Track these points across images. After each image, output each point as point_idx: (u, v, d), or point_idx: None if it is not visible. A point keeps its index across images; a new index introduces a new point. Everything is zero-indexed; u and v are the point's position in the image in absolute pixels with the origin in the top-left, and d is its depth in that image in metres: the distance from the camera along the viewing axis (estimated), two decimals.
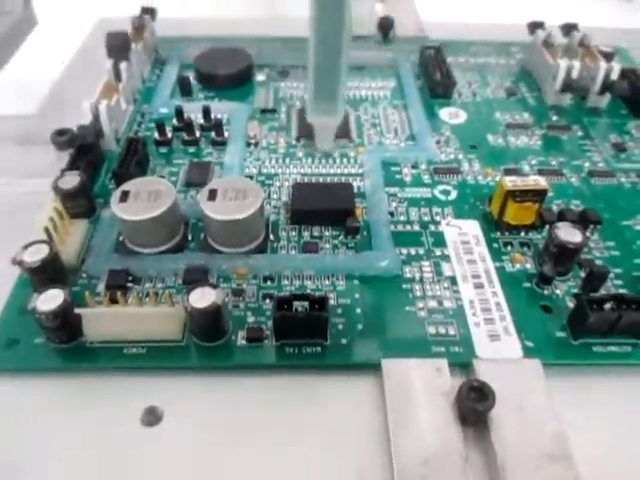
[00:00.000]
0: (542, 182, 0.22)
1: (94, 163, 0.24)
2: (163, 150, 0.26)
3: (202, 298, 0.17)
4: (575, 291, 0.20)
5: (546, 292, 0.20)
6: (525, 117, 0.29)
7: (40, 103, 0.30)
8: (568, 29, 0.33)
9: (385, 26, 0.36)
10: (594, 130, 0.29)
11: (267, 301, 0.20)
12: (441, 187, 0.25)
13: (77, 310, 0.18)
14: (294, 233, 0.22)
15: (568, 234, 0.20)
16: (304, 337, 0.18)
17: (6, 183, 0.25)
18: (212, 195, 0.21)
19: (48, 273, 0.19)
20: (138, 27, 0.31)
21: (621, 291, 0.20)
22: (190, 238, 0.22)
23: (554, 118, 0.29)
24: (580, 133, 0.28)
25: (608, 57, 0.30)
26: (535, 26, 0.33)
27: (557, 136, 0.28)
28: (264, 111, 0.29)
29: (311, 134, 0.26)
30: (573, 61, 0.29)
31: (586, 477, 0.15)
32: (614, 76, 0.29)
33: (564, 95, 0.30)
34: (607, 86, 0.29)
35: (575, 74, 0.29)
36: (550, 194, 0.24)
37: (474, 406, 0.16)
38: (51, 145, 0.26)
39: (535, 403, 0.17)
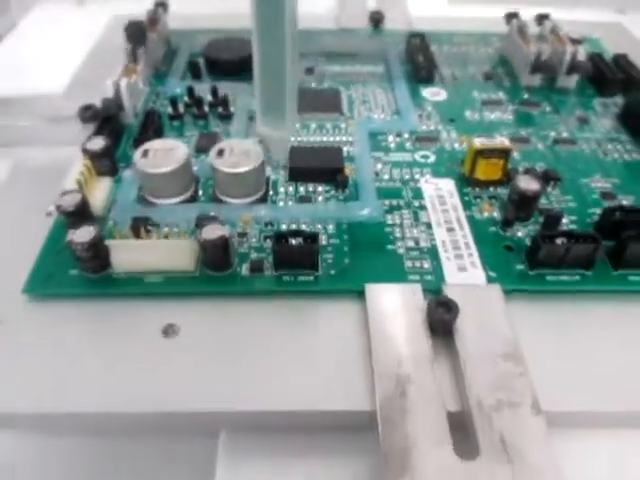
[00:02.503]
0: (506, 142, 0.25)
1: (116, 132, 0.28)
2: (176, 123, 0.30)
3: (213, 232, 0.21)
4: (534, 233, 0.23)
5: (509, 234, 0.24)
6: (500, 96, 0.33)
7: (64, 86, 0.34)
8: (540, 19, 0.36)
9: (376, 19, 0.39)
10: (562, 106, 0.32)
11: (267, 241, 0.23)
12: (421, 152, 0.28)
13: (106, 241, 0.21)
14: (291, 189, 0.26)
15: (528, 184, 0.23)
16: (299, 267, 0.22)
17: (38, 150, 0.28)
18: (220, 153, 0.24)
19: (80, 216, 0.22)
20: (152, 19, 0.34)
21: None
22: (201, 193, 0.25)
23: (525, 96, 0.33)
24: (549, 109, 0.32)
25: (576, 42, 0.33)
26: (511, 16, 0.36)
27: (528, 112, 0.31)
28: None
29: (308, 108, 0.30)
30: (543, 44, 0.33)
31: (533, 372, 0.19)
32: (580, 57, 0.33)
33: (535, 76, 0.33)
34: (573, 67, 0.33)
35: (545, 56, 0.33)
36: (518, 158, 0.28)
37: (441, 317, 0.20)
38: (76, 121, 0.30)
39: (493, 316, 0.20)
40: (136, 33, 0.31)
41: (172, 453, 0.22)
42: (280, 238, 0.21)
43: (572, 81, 0.33)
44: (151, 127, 0.27)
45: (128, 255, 0.21)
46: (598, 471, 0.18)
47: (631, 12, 0.50)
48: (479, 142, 0.25)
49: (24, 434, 0.22)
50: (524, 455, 0.16)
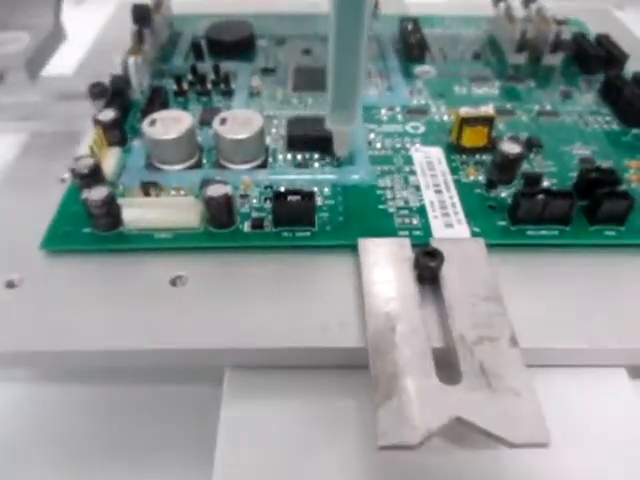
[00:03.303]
0: (490, 110, 0.27)
1: (124, 106, 0.29)
2: (180, 99, 0.31)
3: (217, 190, 0.22)
4: None
5: (492, 195, 0.25)
6: (487, 73, 0.34)
7: (73, 68, 0.36)
8: (527, 2, 0.38)
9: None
10: (546, 83, 0.34)
11: (267, 202, 0.25)
12: (412, 124, 0.30)
13: (119, 200, 0.23)
14: (289, 156, 0.27)
15: (510, 147, 0.25)
16: (297, 224, 0.23)
17: (51, 124, 0.30)
18: (223, 121, 0.26)
19: (94, 178, 0.24)
20: (157, 3, 0.36)
21: None
22: (205, 161, 0.27)
23: (512, 73, 0.34)
24: (533, 85, 0.33)
25: (560, 23, 0.35)
26: (498, 0, 0.38)
27: (513, 86, 0.33)
28: (265, 70, 0.34)
29: (305, 86, 0.31)
30: (527, 24, 0.34)
31: (512, 313, 0.20)
32: (564, 36, 0.34)
33: (521, 55, 0.35)
34: (557, 45, 0.34)
35: (530, 35, 0.34)
36: (503, 129, 0.29)
37: (427, 264, 0.21)
38: (86, 98, 0.31)
39: (476, 265, 0.22)
40: (142, 15, 0.33)
41: (178, 396, 0.24)
42: (279, 196, 0.23)
43: (557, 59, 0.35)
44: (157, 101, 0.29)
45: (138, 212, 0.23)
46: (567, 406, 0.20)
47: (629, 8, 0.52)
48: (464, 111, 0.27)
49: (37, 381, 0.24)
50: (502, 379, 0.18)
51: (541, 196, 0.23)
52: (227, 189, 0.22)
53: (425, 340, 0.19)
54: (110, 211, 0.23)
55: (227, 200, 0.22)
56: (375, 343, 0.19)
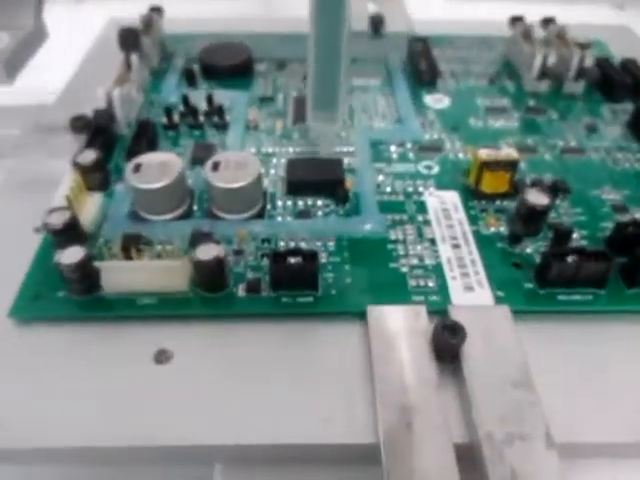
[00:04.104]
0: (513, 154, 0.24)
1: (108, 144, 0.27)
2: (171, 134, 0.29)
3: (207, 253, 0.20)
4: (543, 249, 0.23)
5: (517, 251, 0.23)
6: (504, 102, 0.32)
7: (56, 95, 0.33)
8: (546, 22, 0.35)
9: (376, 23, 0.38)
10: (569, 113, 0.31)
11: (265, 259, 0.22)
12: (424, 163, 0.27)
13: (96, 263, 0.20)
14: (289, 203, 0.25)
15: (536, 198, 0.22)
16: (298, 288, 0.21)
17: (27, 162, 0.27)
18: (215, 166, 0.23)
19: (69, 235, 0.21)
20: (147, 23, 0.33)
21: None
22: (196, 208, 0.24)
23: (531, 103, 0.32)
24: (555, 116, 0.31)
25: (583, 47, 0.32)
26: (515, 20, 0.35)
27: (533, 118, 0.30)
28: (263, 99, 0.31)
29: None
30: (549, 49, 0.32)
31: (544, 400, 0.18)
32: (587, 63, 0.32)
33: (541, 82, 0.32)
34: (581, 72, 0.32)
35: (551, 61, 0.32)
36: (524, 168, 0.27)
37: (447, 341, 0.19)
38: (67, 132, 0.29)
39: (502, 340, 0.19)
40: (130, 40, 0.30)
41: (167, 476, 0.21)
42: (278, 257, 0.20)
43: (579, 87, 0.32)
44: (144, 138, 0.26)
45: (119, 277, 0.20)
46: None
47: (630, 8, 0.49)
48: (485, 153, 0.24)
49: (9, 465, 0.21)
50: None
51: (573, 257, 0.21)
52: (219, 250, 0.20)
53: (447, 440, 0.16)
54: (86, 275, 0.20)
55: (219, 263, 0.20)
56: (389, 447, 0.16)
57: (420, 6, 0.42)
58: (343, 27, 0.19)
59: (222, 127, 0.29)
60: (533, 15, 0.36)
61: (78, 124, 0.28)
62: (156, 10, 0.35)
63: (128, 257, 0.21)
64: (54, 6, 0.47)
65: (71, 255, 0.20)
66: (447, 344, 0.19)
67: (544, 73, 0.32)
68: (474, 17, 0.41)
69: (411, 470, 0.16)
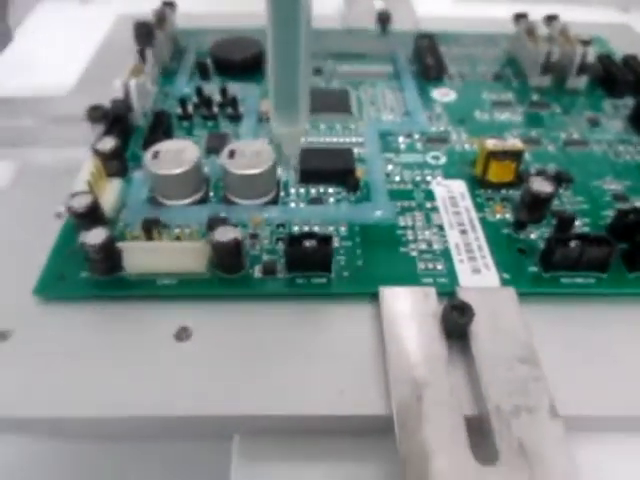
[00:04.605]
0: (519, 144, 0.25)
1: (125, 133, 0.27)
2: (185, 124, 0.29)
3: (225, 234, 0.21)
4: (547, 235, 0.23)
5: (522, 237, 0.23)
6: (509, 97, 0.32)
7: (71, 86, 0.34)
8: (550, 20, 0.36)
9: (383, 20, 0.39)
10: (572, 108, 0.32)
11: (279, 243, 0.23)
12: (432, 153, 0.28)
13: (119, 244, 0.21)
14: (302, 190, 0.25)
15: (541, 186, 0.23)
16: (312, 269, 0.21)
17: (45, 151, 0.28)
18: (232, 154, 0.24)
19: (91, 217, 0.22)
20: (160, 18, 0.34)
21: None
22: (212, 194, 0.25)
23: (535, 97, 0.32)
24: (558, 110, 0.31)
25: (585, 43, 0.33)
26: (519, 17, 0.36)
27: (537, 112, 0.31)
28: None
29: (317, 109, 0.29)
30: (553, 46, 0.32)
31: (549, 375, 0.18)
32: (590, 59, 0.32)
33: (545, 77, 0.33)
34: (583, 68, 0.32)
35: (554, 57, 0.32)
36: (529, 159, 0.28)
37: (456, 320, 0.19)
38: (84, 121, 0.30)
39: (508, 319, 0.20)
40: (144, 33, 0.31)
41: (185, 456, 0.22)
42: (293, 240, 0.21)
43: (582, 82, 0.33)
44: (160, 128, 0.27)
45: (140, 257, 0.21)
46: (616, 476, 0.18)
47: (635, 10, 0.50)
48: (491, 144, 0.25)
49: (35, 438, 0.22)
50: (543, 460, 0.16)
51: (576, 242, 0.21)
52: (237, 233, 0.21)
53: (457, 411, 0.17)
54: (109, 256, 0.21)
55: (236, 245, 0.21)
56: (401, 418, 0.17)
57: (427, 4, 0.43)
58: (299, 27, 0.19)
59: (235, 118, 0.29)
60: (537, 15, 0.37)
61: (95, 114, 0.29)
62: (169, 5, 0.36)
63: (149, 238, 0.21)
64: (60, 3, 0.48)
65: (95, 236, 0.20)
66: (456, 323, 0.19)
67: (547, 69, 0.33)
68: (479, 15, 0.42)
69: (422, 439, 0.17)
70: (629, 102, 0.32)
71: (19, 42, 0.43)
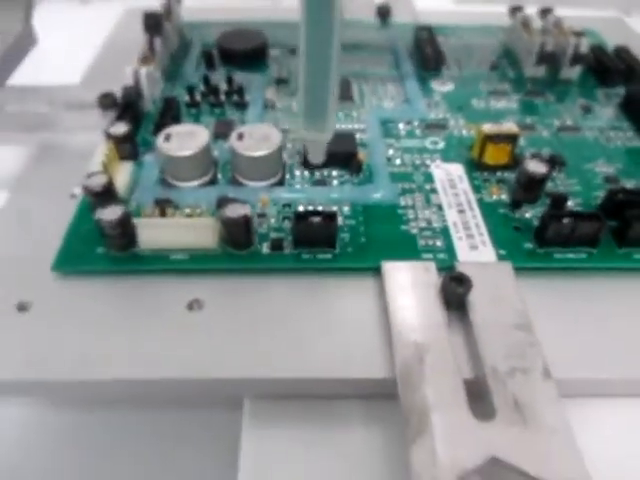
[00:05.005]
0: (514, 128, 0.26)
1: (136, 119, 0.28)
2: (193, 111, 0.31)
3: (235, 211, 0.22)
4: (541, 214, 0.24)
5: (517, 216, 0.25)
6: (505, 86, 0.34)
7: (81, 76, 0.35)
8: (544, 13, 0.37)
9: (383, 12, 0.40)
10: (565, 96, 0.33)
11: (286, 222, 0.24)
12: (431, 139, 0.29)
13: (134, 220, 0.22)
14: (307, 173, 0.26)
15: (535, 167, 0.24)
16: (317, 245, 0.22)
17: (59, 136, 0.29)
18: (240, 136, 0.25)
19: (107, 196, 0.23)
20: (167, 10, 0.35)
21: None
22: (220, 176, 0.26)
23: (530, 87, 0.34)
24: (552, 99, 0.33)
25: (578, 35, 0.34)
26: (515, 10, 0.37)
27: (532, 100, 0.32)
28: (279, 80, 0.33)
29: None
30: (547, 37, 0.34)
31: (543, 341, 0.20)
32: (583, 49, 0.34)
33: (539, 68, 0.34)
34: (576, 58, 0.34)
35: (549, 48, 0.34)
36: (524, 144, 0.29)
37: (455, 290, 0.21)
38: (95, 108, 0.31)
39: (504, 291, 0.21)
40: (153, 23, 0.32)
41: (196, 424, 0.23)
42: (300, 217, 0.22)
43: (575, 72, 0.34)
44: (170, 114, 0.28)
45: (154, 233, 0.22)
46: (604, 438, 0.19)
47: (636, 14, 0.51)
48: (488, 128, 0.26)
49: (51, 406, 0.23)
50: (537, 415, 0.17)
51: (568, 219, 0.23)
52: (246, 209, 0.22)
53: (456, 372, 0.18)
54: (125, 232, 0.22)
55: (246, 221, 0.22)
56: (404, 377, 0.18)
57: (427, 2, 0.44)
58: (333, 40, 0.19)
59: (242, 106, 0.31)
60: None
61: (106, 101, 0.30)
62: None
63: (163, 214, 0.22)
64: (61, 5, 0.50)
65: (111, 213, 0.22)
66: (454, 293, 0.21)
67: (542, 59, 0.34)
68: (476, 9, 0.43)
69: (423, 396, 0.18)
70: (621, 91, 0.33)
71: None
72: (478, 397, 0.19)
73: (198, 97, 0.31)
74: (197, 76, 0.33)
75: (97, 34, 0.40)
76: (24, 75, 0.38)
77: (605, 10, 0.50)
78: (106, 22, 0.42)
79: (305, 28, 0.19)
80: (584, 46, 0.34)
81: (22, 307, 0.21)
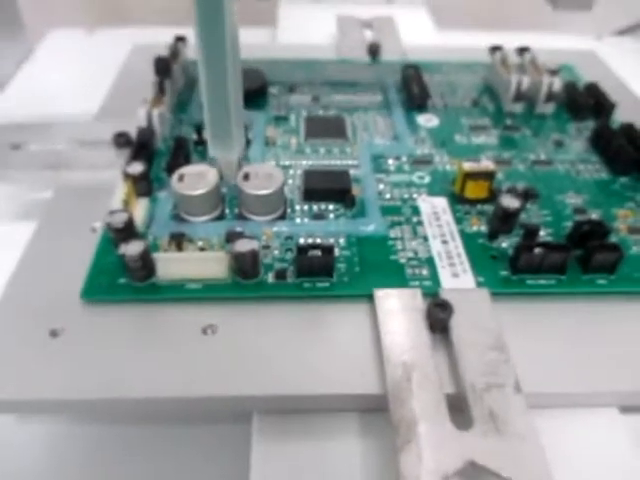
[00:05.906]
0: (491, 166, 0.29)
1: (149, 157, 0.31)
2: (200, 149, 0.33)
3: (244, 246, 0.24)
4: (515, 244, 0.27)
5: (494, 245, 0.28)
6: (485, 121, 0.37)
7: (92, 113, 0.37)
8: (521, 51, 0.40)
9: (373, 50, 0.43)
10: (540, 131, 0.36)
11: (288, 253, 0.27)
12: (418, 174, 0.32)
13: (153, 255, 0.25)
14: (306, 207, 0.29)
15: (510, 202, 0.27)
16: (317, 275, 0.25)
17: (78, 173, 0.32)
18: (246, 176, 0.28)
19: (128, 232, 0.26)
20: (174, 52, 0.38)
21: None
22: (227, 211, 0.29)
23: (508, 122, 0.37)
24: (528, 133, 0.36)
25: (553, 73, 0.38)
26: (494, 49, 0.41)
27: (510, 135, 0.36)
28: (278, 118, 0.36)
29: (317, 134, 0.34)
30: (523, 76, 0.37)
31: (515, 359, 0.22)
32: (556, 87, 0.37)
33: (516, 104, 0.37)
34: (550, 96, 0.37)
35: (525, 86, 0.37)
36: (501, 178, 0.32)
37: (438, 315, 0.23)
38: (110, 146, 0.33)
39: (482, 315, 0.24)
40: (162, 68, 0.35)
41: (209, 437, 0.25)
42: (301, 251, 0.25)
43: (549, 108, 0.38)
44: (181, 152, 0.31)
45: (171, 266, 0.25)
46: (568, 444, 0.22)
47: (607, 38, 0.55)
48: (468, 166, 0.29)
49: (76, 423, 0.25)
50: (509, 424, 0.20)
51: (539, 249, 0.25)
52: (254, 244, 0.24)
53: (439, 388, 0.21)
54: (145, 264, 0.25)
55: (254, 254, 0.24)
56: (394, 392, 0.21)
57: (412, 34, 0.48)
58: (227, 79, 0.21)
59: (245, 143, 0.33)
60: (515, 42, 0.41)
61: (120, 140, 0.33)
62: (181, 39, 0.40)
63: (179, 250, 0.25)
64: (69, 33, 0.52)
65: (134, 247, 0.24)
66: (438, 318, 0.23)
67: (519, 96, 0.37)
68: (459, 44, 0.46)
69: (410, 410, 0.20)
70: (590, 125, 0.36)
71: (29, 70, 0.47)
72: (458, 409, 0.21)
73: (205, 135, 0.33)
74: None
75: (104, 66, 0.43)
76: (34, 106, 0.41)
77: (579, 35, 0.54)
78: (112, 51, 0.45)
79: (202, 67, 0.22)
80: (557, 84, 0.37)
81: (54, 333, 0.24)
